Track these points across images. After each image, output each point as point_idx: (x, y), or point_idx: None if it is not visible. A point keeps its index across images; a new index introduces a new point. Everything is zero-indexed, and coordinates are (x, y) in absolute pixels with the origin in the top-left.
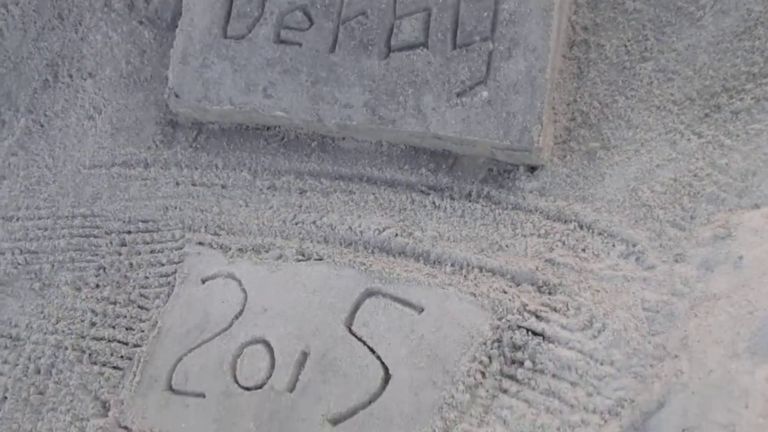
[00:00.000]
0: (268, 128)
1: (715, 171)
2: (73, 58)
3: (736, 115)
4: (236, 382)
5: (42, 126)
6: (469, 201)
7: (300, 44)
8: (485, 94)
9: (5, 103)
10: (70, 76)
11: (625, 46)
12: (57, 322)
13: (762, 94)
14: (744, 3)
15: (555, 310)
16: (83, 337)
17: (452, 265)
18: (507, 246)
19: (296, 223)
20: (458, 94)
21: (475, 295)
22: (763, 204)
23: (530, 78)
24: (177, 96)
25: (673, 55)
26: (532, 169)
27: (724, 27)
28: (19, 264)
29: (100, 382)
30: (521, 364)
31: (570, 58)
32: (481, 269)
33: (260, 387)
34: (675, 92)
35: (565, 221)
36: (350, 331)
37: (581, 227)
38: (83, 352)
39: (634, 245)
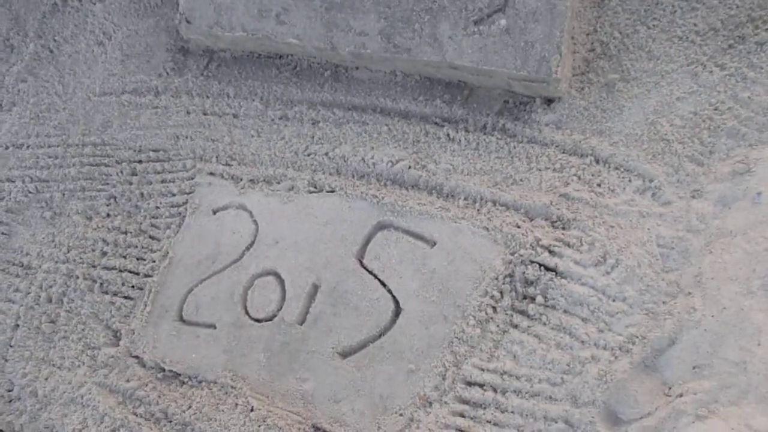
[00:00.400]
0: (280, 57)
1: (737, 104)
2: None
3: (761, 46)
4: (247, 313)
5: (51, 52)
6: (484, 133)
7: None
8: (503, 22)
9: (14, 27)
10: (80, 1)
11: None
12: (68, 251)
13: None
14: None
15: (568, 245)
16: (94, 267)
17: (465, 198)
18: (521, 180)
19: (308, 155)
20: (475, 22)
21: (488, 229)
22: None
23: (550, 6)
24: (188, 22)
25: None
26: (549, 101)
27: None
28: (29, 192)
29: (111, 312)
30: (533, 299)
31: None
32: (494, 203)
33: (271, 319)
34: (698, 22)
35: (582, 155)
36: (361, 264)
37: (597, 161)
38: (94, 281)
39: (651, 180)
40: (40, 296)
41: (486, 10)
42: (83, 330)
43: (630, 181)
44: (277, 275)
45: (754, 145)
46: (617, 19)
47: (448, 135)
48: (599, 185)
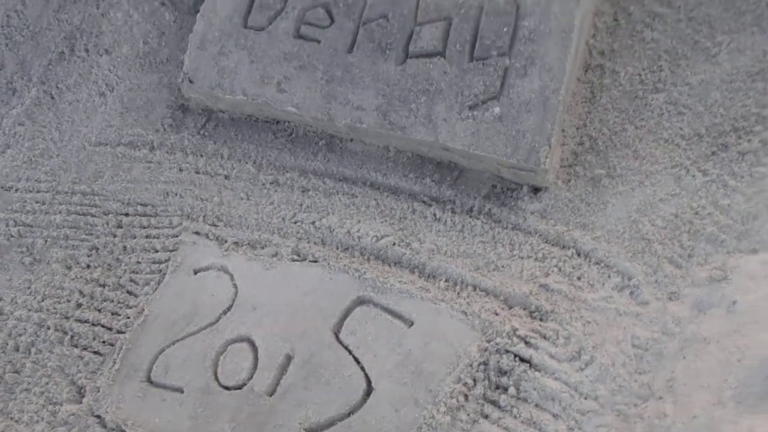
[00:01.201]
0: (277, 122)
1: (717, 211)
2: (91, 33)
3: (743, 156)
4: (216, 380)
5: (52, 98)
6: (470, 216)
7: (319, 41)
8: (497, 110)
9: (19, 71)
10: (87, 51)
11: (640, 75)
12: (43, 300)
13: None
14: (760, 44)
15: (545, 337)
16: (67, 318)
17: (446, 280)
18: (503, 266)
19: (295, 222)
20: (470, 107)
21: (466, 314)
22: (761, 249)
23: (543, 98)
24: (191, 81)
25: (686, 89)
26: (536, 190)
27: (739, 66)
28: (12, 236)
29: (78, 366)
30: (505, 390)
31: (584, 82)
32: (475, 288)
33: (240, 387)
34: (684, 127)
35: (564, 247)
36: (337, 338)
37: (579, 254)
38: (65, 333)
39: (630, 279)
40: (7, 344)
41: (481, 97)
42: (47, 383)
43: (609, 277)
44: (251, 342)
45: (731, 253)
46: (607, 116)
47: (434, 215)
48: (579, 279)
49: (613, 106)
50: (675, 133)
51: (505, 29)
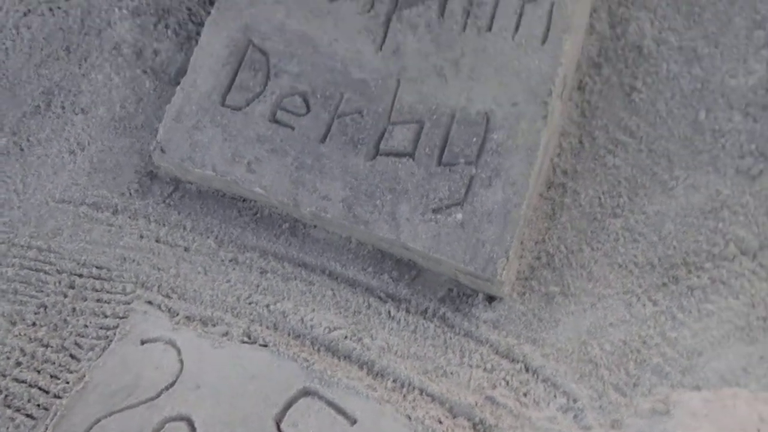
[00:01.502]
0: (243, 200)
1: (664, 342)
2: (70, 91)
3: (692, 291)
4: None
5: (22, 150)
6: (424, 318)
7: (293, 128)
8: (459, 216)
9: None
10: (63, 108)
11: (599, 198)
12: None
13: (719, 276)
14: (714, 183)
15: None
16: (4, 376)
17: (394, 381)
18: (452, 373)
19: (250, 303)
20: (434, 210)
21: (410, 418)
22: (704, 386)
23: (505, 210)
24: (163, 151)
25: (642, 217)
26: (491, 299)
27: (693, 202)
28: None
29: (8, 428)
30: None
31: (546, 198)
32: (421, 392)
33: None
34: (638, 254)
35: (513, 360)
36: (278, 427)
37: (527, 370)
38: (0, 392)
39: (575, 401)
40: None
41: (445, 201)
42: None
43: (555, 397)
44: (190, 422)
45: (675, 387)
46: (565, 235)
47: (389, 312)
48: (525, 395)
49: (571, 226)
50: (629, 260)
51: (474, 139)
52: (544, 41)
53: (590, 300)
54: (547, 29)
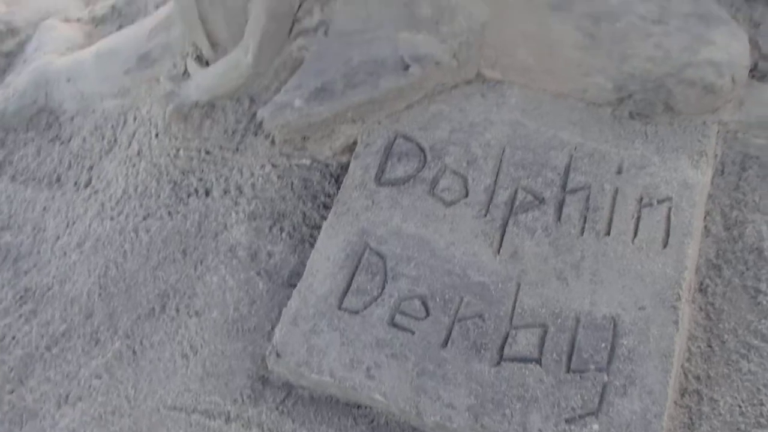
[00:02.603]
0: (359, 407)
1: None
2: (184, 294)
3: None
4: None
5: (134, 353)
6: None
7: (413, 332)
8: (596, 427)
9: (106, 322)
10: (177, 311)
11: (740, 407)
12: None
13: None
14: None
15: None
16: None
17: None
18: None
19: None
20: (567, 420)
21: None
22: None
23: (645, 422)
24: (278, 355)
25: None
26: None
27: None
28: None
29: None
30: None
31: (681, 406)
32: None
33: None
34: None
35: None
36: None
37: None
38: None
39: None
40: None
41: (579, 411)
42: None
43: None
44: None
45: None
46: None
47: None
48: None
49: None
50: None
51: (603, 345)
52: (665, 245)
53: None
54: (667, 233)
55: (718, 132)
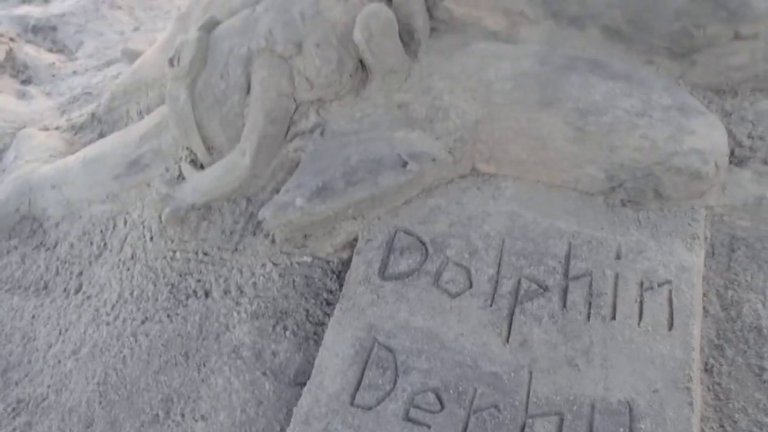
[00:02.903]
0: None
1: None
2: (189, 398)
3: None
4: None
5: None
6: None
7: (429, 426)
8: None
9: (107, 431)
10: (182, 416)
11: None
12: None
13: None
14: None
15: None
16: None
17: None
18: None
19: None
20: None
21: None
22: None
23: None
24: None
25: None
26: None
27: None
28: None
29: None
30: None
31: None
32: None
33: None
34: None
35: None
36: None
37: None
38: None
39: None
40: None
41: None
42: None
43: None
44: None
45: None
46: None
47: None
48: None
49: None
50: None
51: (621, 430)
52: (670, 327)
53: None
54: (671, 315)
55: (705, 216)
